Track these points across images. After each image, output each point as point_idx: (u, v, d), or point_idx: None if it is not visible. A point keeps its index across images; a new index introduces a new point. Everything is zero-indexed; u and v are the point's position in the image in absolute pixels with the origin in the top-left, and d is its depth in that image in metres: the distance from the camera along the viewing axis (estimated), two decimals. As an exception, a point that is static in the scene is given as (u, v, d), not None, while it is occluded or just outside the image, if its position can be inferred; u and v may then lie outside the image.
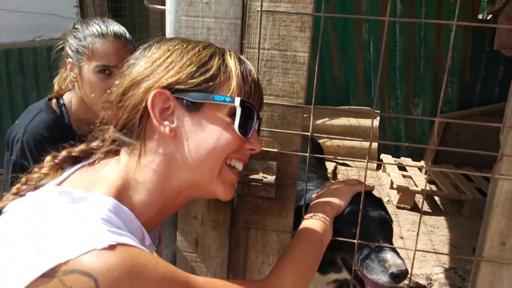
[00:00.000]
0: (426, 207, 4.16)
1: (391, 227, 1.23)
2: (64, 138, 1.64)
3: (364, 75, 4.99)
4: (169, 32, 1.06)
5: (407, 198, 4.00)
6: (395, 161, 4.77)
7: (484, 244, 1.07)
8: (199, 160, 0.80)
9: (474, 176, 4.50)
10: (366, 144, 4.84)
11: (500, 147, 1.02)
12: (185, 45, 0.82)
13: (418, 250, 1.08)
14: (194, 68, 0.79)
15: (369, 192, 1.27)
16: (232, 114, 0.82)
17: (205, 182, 0.83)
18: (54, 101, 1.69)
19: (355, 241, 1.07)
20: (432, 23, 4.48)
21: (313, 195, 1.23)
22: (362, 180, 1.29)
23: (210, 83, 0.80)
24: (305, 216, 1.09)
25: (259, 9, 1.01)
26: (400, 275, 1.10)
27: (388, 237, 1.20)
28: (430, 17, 4.59)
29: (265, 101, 1.04)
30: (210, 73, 0.80)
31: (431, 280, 2.95)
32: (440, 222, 3.91)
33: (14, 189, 0.80)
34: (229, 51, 0.86)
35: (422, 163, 4.89)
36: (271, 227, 1.13)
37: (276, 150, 1.08)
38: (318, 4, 1.02)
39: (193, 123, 0.80)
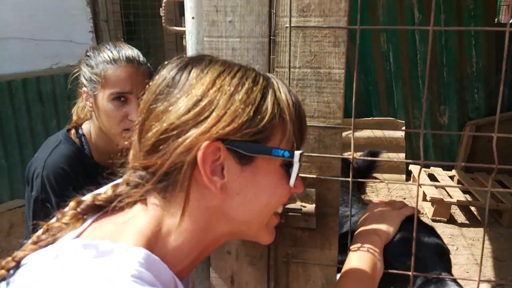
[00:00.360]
0: (463, 219, 3.98)
1: (449, 257, 1.11)
2: (86, 170, 1.59)
3: (386, 85, 4.87)
4: (191, 49, 0.99)
5: (442, 210, 3.83)
6: (425, 171, 4.61)
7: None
8: (249, 215, 0.73)
9: (508, 181, 4.31)
10: (393, 156, 4.69)
11: None
12: (230, 76, 0.71)
13: (483, 281, 0.96)
14: (251, 115, 0.69)
15: (417, 218, 1.16)
16: (285, 165, 0.74)
17: (250, 233, 0.76)
18: (73, 131, 1.63)
19: (410, 273, 0.96)
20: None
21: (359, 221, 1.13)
22: (409, 203, 1.19)
23: (266, 132, 0.70)
24: (351, 248, 0.98)
25: (288, 25, 0.93)
26: None
27: (448, 269, 1.07)
28: (450, 24, 4.47)
29: (299, 123, 0.96)
30: (266, 119, 0.70)
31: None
32: (479, 234, 3.72)
33: (34, 237, 0.73)
34: (275, 80, 0.76)
35: (453, 172, 4.71)
36: (314, 261, 1.03)
37: (314, 176, 0.99)
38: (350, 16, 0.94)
39: (245, 177, 0.70)
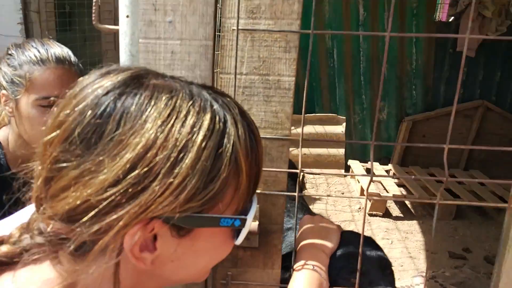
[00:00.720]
0: (397, 212, 4.12)
1: (391, 270, 1.09)
2: (1, 183, 1.41)
3: (329, 82, 4.91)
4: (124, 58, 0.88)
5: (378, 205, 3.94)
6: (362, 166, 4.72)
7: (499, 280, 0.96)
8: (186, 276, 0.65)
9: (441, 174, 4.52)
10: (333, 151, 4.77)
11: None
12: (178, 125, 0.55)
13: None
14: (200, 186, 0.55)
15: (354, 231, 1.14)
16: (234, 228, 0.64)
17: (186, 282, 0.68)
18: None
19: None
20: (395, 27, 4.46)
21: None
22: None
23: (216, 199, 0.57)
24: (295, 267, 0.94)
25: (235, 27, 0.85)
26: None
27: (391, 282, 1.06)
28: (394, 23, 4.57)
29: (244, 134, 0.89)
30: (218, 185, 0.56)
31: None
32: (413, 227, 3.87)
33: None
34: (234, 117, 0.60)
35: (389, 166, 4.86)
36: (255, 281, 0.98)
37: (258, 191, 0.92)
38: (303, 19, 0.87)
39: (182, 246, 0.60)
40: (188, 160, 0.54)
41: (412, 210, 4.18)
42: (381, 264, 1.06)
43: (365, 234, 1.06)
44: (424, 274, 3.07)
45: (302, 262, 0.93)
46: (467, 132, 4.85)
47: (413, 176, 4.54)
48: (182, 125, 0.55)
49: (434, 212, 3.95)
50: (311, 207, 3.88)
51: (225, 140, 0.57)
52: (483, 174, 4.66)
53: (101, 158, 0.53)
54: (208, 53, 0.88)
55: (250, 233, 0.90)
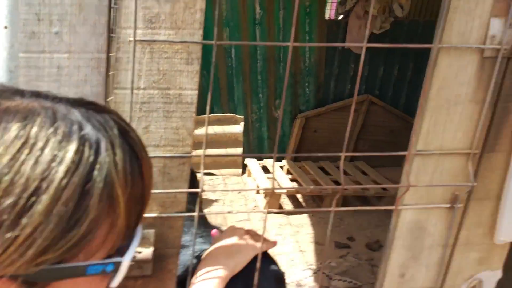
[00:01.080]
0: (290, 207, 4.28)
1: (284, 281, 1.11)
2: None
3: (227, 81, 4.92)
4: (2, 72, 0.77)
5: (273, 201, 4.06)
6: (259, 164, 4.81)
7: (384, 278, 1.02)
8: None
9: (330, 168, 4.79)
10: (230, 151, 4.80)
11: (402, 177, 0.96)
12: (32, 159, 0.45)
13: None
14: (57, 234, 0.45)
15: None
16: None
17: None
18: None
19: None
20: (289, 26, 4.60)
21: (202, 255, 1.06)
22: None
23: (80, 246, 0.48)
24: (194, 280, 0.90)
25: (132, 38, 0.79)
26: None
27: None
28: (288, 20, 4.70)
29: (142, 153, 0.83)
30: (84, 228, 0.47)
31: (301, 286, 3.01)
32: (304, 220, 4.04)
33: None
34: (109, 138, 0.50)
35: (284, 162, 5.04)
36: (149, 309, 0.92)
37: (154, 215, 0.87)
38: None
39: None
40: (40, 205, 0.43)
41: (303, 204, 4.37)
42: (276, 278, 1.07)
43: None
44: (312, 267, 3.23)
45: (200, 279, 0.90)
46: (353, 125, 5.19)
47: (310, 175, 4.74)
48: (37, 161, 0.44)
49: (323, 204, 4.11)
50: (208, 209, 3.88)
51: (95, 173, 0.47)
52: (367, 165, 5.02)
53: None
54: (101, 67, 0.80)
55: (143, 261, 0.85)
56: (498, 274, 1.06)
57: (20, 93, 0.52)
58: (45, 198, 0.44)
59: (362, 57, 0.89)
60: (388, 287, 1.03)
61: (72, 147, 0.46)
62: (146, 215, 0.84)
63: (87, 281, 0.52)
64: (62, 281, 0.49)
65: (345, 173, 4.69)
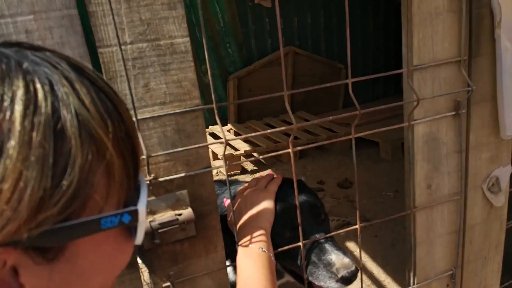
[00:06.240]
0: (251, 166, 4.26)
1: (326, 216, 1.08)
2: None
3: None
4: None
5: (234, 165, 4.00)
6: (207, 131, 4.72)
7: (414, 193, 1.02)
8: None
9: (276, 123, 4.81)
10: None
11: (405, 94, 0.96)
12: None
13: (362, 225, 0.96)
14: (45, 186, 0.37)
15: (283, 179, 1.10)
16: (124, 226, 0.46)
17: None
18: None
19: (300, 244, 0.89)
20: (198, -12, 4.42)
21: (224, 199, 1.02)
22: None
23: (82, 197, 0.40)
24: (240, 252, 0.87)
25: (103, -13, 0.67)
26: (351, 278, 0.95)
27: (325, 228, 1.04)
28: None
29: (148, 115, 0.74)
30: (76, 178, 0.39)
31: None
32: (269, 176, 4.04)
33: None
34: (64, 72, 0.42)
35: (229, 125, 4.97)
36: (201, 271, 0.86)
37: (182, 175, 0.79)
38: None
39: (59, 273, 0.42)
40: (11, 151, 0.36)
41: (263, 161, 4.36)
42: (313, 212, 1.04)
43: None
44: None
45: (245, 246, 0.87)
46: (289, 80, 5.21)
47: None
48: None
49: (282, 157, 4.12)
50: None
51: (63, 112, 0.39)
52: (308, 113, 5.09)
53: None
54: (76, 25, 0.68)
55: (185, 223, 0.77)
56: (509, 169, 1.10)
57: None
58: (12, 143, 0.36)
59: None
60: (419, 200, 1.03)
61: (19, 84, 0.38)
62: (173, 176, 0.76)
63: (108, 239, 0.46)
64: (78, 242, 0.42)
65: (290, 123, 4.72)
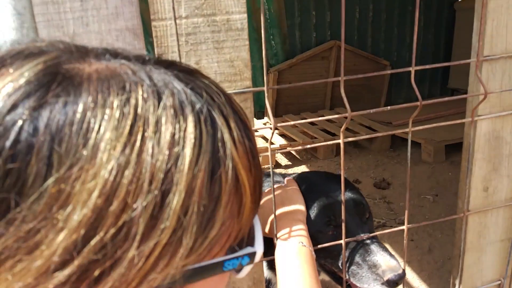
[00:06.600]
0: (285, 161, 4.22)
1: (369, 214, 1.03)
2: None
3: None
4: (6, 22, 0.61)
5: (267, 158, 3.97)
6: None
7: (470, 195, 0.96)
8: None
9: (313, 117, 4.75)
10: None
11: (470, 87, 0.90)
12: (137, 146, 0.34)
13: (409, 226, 0.91)
14: (197, 236, 0.36)
15: (324, 173, 1.06)
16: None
17: None
18: None
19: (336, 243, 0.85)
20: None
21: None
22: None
23: (215, 241, 0.39)
24: (279, 246, 0.83)
25: (162, -44, 0.65)
26: (398, 281, 0.89)
27: (370, 228, 0.99)
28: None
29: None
30: (218, 223, 0.38)
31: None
32: (300, 171, 3.99)
33: None
34: (221, 106, 0.40)
35: (266, 119, 4.94)
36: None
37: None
38: None
39: None
40: (175, 202, 0.34)
41: (297, 157, 4.32)
42: (358, 210, 0.99)
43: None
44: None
45: (283, 240, 0.84)
46: (326, 73, 5.12)
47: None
48: (156, 146, 0.34)
49: (317, 153, 4.06)
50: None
51: (221, 153, 0.37)
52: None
53: (31, 226, 0.31)
54: (133, -4, 0.66)
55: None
56: None
57: (92, 51, 0.39)
58: (178, 193, 0.34)
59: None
60: (474, 203, 0.96)
61: (190, 124, 0.36)
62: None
63: (218, 277, 0.44)
64: (196, 282, 0.40)
65: (330, 120, 4.65)
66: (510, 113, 0.91)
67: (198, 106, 0.37)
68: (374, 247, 0.92)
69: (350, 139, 0.85)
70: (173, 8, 0.67)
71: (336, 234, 0.95)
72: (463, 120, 0.89)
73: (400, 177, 3.56)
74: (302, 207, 0.93)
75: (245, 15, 0.71)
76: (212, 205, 0.36)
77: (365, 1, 5.09)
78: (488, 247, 1.02)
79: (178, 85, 0.38)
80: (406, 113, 4.26)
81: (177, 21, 0.68)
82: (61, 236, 0.31)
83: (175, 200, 0.34)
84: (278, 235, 0.85)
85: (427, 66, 0.78)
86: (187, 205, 0.35)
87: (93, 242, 0.32)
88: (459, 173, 0.97)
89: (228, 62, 0.73)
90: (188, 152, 0.35)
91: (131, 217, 0.33)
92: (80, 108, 0.33)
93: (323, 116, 4.92)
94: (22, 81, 0.33)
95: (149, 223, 0.33)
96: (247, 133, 0.41)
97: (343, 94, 0.75)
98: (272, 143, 3.47)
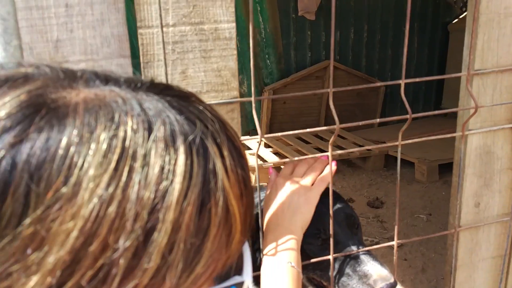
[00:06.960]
0: (279, 179, 4.20)
1: (360, 227, 1.01)
2: None
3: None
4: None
5: (262, 175, 3.96)
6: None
7: (461, 211, 0.95)
8: None
9: (307, 136, 4.75)
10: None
11: (461, 101, 0.89)
12: (122, 183, 0.32)
13: (399, 242, 0.89)
14: (182, 272, 0.35)
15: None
16: None
17: None
18: None
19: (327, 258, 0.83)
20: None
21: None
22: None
23: (202, 276, 0.37)
24: (265, 263, 0.80)
25: (150, -36, 0.65)
26: None
27: (360, 240, 0.97)
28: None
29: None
30: (205, 256, 0.36)
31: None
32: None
33: None
34: (214, 133, 0.38)
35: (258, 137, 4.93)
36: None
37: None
38: None
39: None
40: (160, 238, 0.32)
41: (291, 174, 4.30)
42: (349, 222, 0.98)
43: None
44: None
45: (270, 259, 0.80)
46: (321, 93, 5.14)
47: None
48: (143, 183, 0.32)
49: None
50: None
51: (212, 184, 0.35)
52: (343, 129, 5.01)
53: (1, 269, 0.30)
54: (119, 2, 0.66)
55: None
56: None
57: (74, 75, 0.37)
58: (164, 230, 0.32)
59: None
60: (465, 219, 0.95)
61: (181, 157, 0.34)
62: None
63: None
64: None
65: (323, 139, 4.65)
66: (501, 127, 0.91)
67: (191, 137, 0.35)
68: (364, 257, 0.90)
69: (339, 152, 0.84)
70: (160, 15, 0.66)
71: (326, 245, 0.93)
72: (454, 134, 0.88)
73: (393, 196, 3.55)
74: (303, 221, 0.88)
75: (234, 24, 0.71)
76: (199, 239, 0.35)
77: (360, 22, 5.15)
78: (480, 264, 1.01)
79: (170, 114, 0.36)
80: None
81: (164, 29, 0.68)
82: (34, 279, 0.29)
83: (160, 238, 0.32)
84: (265, 252, 0.83)
85: (417, 79, 0.77)
86: (173, 242, 0.33)
87: (68, 285, 0.30)
88: (452, 190, 0.96)
89: (215, 72, 0.72)
90: (177, 186, 0.33)
91: (112, 259, 0.31)
92: (63, 143, 0.31)
93: (317, 135, 4.92)
94: (2, 113, 0.31)
95: (130, 264, 0.32)
96: (241, 161, 0.39)
97: (331, 105, 0.74)
98: (265, 161, 3.49)
